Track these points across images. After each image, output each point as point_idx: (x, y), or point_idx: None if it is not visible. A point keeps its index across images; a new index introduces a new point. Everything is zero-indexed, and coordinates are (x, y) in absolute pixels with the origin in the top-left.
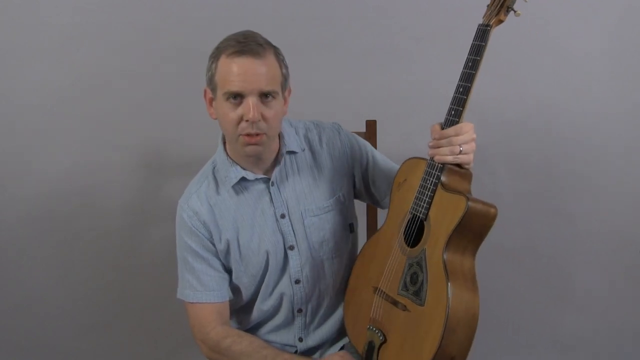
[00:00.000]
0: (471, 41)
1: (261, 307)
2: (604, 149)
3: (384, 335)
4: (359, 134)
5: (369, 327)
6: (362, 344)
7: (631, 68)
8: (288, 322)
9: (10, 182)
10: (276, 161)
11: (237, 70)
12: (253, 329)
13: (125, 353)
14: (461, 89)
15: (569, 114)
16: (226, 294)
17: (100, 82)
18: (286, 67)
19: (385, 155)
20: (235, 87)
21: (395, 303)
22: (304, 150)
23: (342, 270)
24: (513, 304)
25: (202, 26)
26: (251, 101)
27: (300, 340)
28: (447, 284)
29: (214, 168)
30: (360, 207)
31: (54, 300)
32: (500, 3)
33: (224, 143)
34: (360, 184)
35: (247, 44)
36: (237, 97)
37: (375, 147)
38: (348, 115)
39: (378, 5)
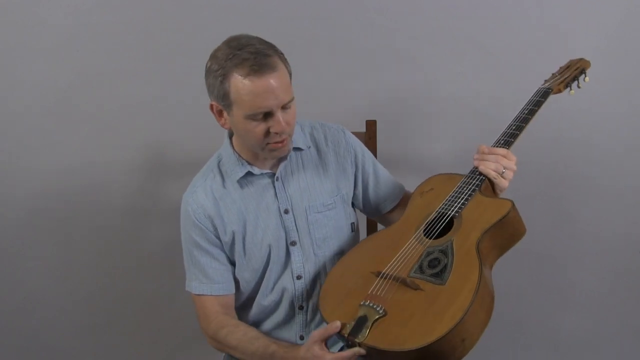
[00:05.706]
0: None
1: (261, 302)
2: (604, 149)
3: (385, 310)
4: (359, 134)
5: (362, 304)
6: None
7: (631, 68)
8: (289, 319)
9: (10, 182)
10: (282, 157)
11: (259, 91)
12: (253, 326)
13: (125, 353)
14: (514, 127)
15: (568, 114)
16: (231, 287)
17: (100, 82)
18: (289, 64)
19: (385, 155)
20: (262, 109)
21: (404, 282)
22: (309, 147)
23: None
24: (513, 304)
25: (202, 26)
26: (280, 116)
27: (302, 338)
28: (480, 265)
29: (219, 162)
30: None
31: (54, 301)
32: (564, 79)
33: (231, 137)
34: (359, 188)
35: (258, 59)
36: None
37: (375, 147)
38: (348, 115)
39: (378, 6)
